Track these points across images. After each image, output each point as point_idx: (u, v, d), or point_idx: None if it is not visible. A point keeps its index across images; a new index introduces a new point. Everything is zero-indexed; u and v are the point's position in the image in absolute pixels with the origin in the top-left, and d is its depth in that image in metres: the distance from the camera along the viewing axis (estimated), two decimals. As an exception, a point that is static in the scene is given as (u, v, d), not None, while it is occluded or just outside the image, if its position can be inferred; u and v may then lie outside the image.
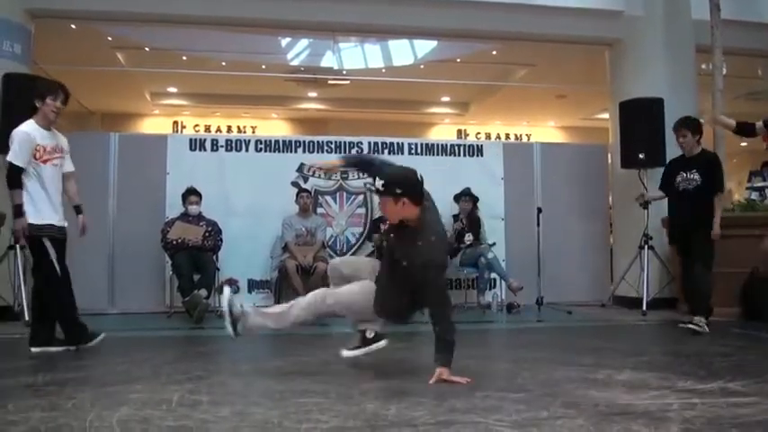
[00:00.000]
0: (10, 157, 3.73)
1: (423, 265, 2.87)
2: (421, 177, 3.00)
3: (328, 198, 6.83)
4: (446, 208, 6.58)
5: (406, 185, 2.94)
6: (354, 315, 3.22)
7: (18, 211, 3.74)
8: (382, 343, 3.24)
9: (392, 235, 3.12)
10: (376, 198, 6.68)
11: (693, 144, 4.98)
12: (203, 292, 5.49)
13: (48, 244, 3.76)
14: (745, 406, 2.48)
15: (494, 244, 6.62)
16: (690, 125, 5.02)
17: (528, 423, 2.20)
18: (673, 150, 6.31)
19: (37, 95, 3.87)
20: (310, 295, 3.18)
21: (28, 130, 3.78)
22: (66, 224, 3.96)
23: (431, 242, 2.91)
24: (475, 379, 2.86)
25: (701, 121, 5.31)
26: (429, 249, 2.90)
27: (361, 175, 6.89)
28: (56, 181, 3.91)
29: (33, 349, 3.83)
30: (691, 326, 4.57)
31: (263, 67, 9.35)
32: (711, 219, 4.75)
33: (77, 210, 4.11)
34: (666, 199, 5.26)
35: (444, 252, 3.08)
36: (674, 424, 2.18)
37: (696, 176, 4.88)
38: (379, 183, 2.96)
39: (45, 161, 3.82)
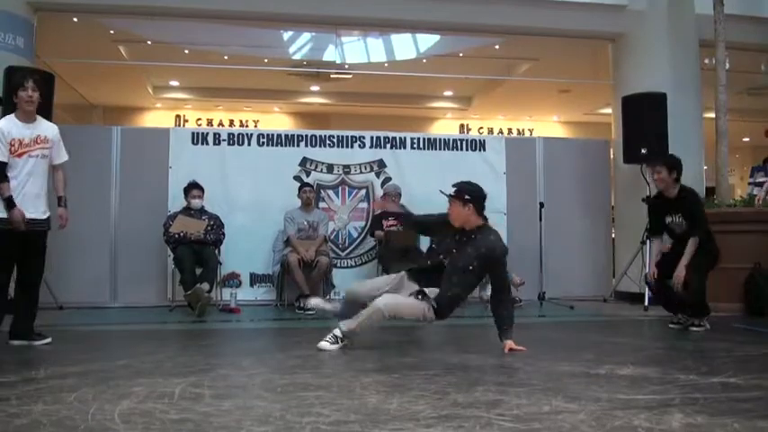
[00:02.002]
0: None
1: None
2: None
3: (330, 192, 6.83)
4: (446, 204, 6.54)
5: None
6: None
7: (10, 203, 3.72)
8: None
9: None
10: (378, 192, 6.75)
11: (670, 182, 4.60)
12: (205, 286, 5.49)
13: None
14: (746, 401, 2.49)
15: None
16: (666, 162, 4.67)
17: (529, 417, 2.20)
18: (674, 147, 6.32)
19: (12, 91, 3.95)
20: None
21: (2, 125, 3.81)
22: (39, 216, 3.89)
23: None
24: (481, 371, 2.86)
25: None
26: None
27: (363, 170, 6.91)
28: (36, 172, 3.87)
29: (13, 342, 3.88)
30: (693, 328, 4.57)
31: (266, 60, 9.33)
32: (699, 254, 4.51)
33: (59, 201, 4.07)
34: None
35: None
36: (676, 419, 2.18)
37: (681, 221, 4.62)
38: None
39: (20, 154, 3.80)
